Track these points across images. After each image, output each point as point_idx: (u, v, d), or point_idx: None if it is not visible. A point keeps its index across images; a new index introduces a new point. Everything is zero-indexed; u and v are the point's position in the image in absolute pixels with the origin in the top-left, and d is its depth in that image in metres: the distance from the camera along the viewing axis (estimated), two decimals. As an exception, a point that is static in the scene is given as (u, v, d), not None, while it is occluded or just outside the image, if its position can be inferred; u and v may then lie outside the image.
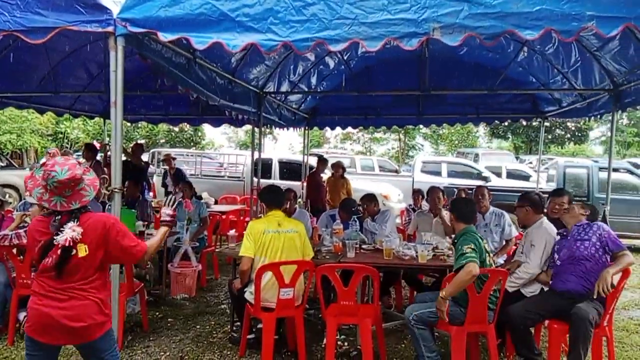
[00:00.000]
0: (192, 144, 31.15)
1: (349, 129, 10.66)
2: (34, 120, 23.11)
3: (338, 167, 8.99)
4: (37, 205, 4.52)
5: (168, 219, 2.97)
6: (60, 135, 26.45)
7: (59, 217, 2.46)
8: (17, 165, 18.40)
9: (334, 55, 6.80)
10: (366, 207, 5.49)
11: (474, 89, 7.38)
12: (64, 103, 8.52)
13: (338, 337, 4.40)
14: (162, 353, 4.26)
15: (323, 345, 4.41)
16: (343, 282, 3.83)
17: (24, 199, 9.05)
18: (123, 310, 4.28)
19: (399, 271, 5.10)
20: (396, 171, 15.84)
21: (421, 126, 14.21)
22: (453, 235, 4.37)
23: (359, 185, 11.10)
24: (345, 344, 4.51)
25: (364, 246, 4.83)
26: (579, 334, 3.47)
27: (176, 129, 29.77)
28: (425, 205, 6.60)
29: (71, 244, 2.39)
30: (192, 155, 16.14)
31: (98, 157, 8.79)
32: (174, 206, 3.01)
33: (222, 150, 28.50)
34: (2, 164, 16.60)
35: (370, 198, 5.59)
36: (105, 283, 2.61)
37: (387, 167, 16.06)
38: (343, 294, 3.78)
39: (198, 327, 4.93)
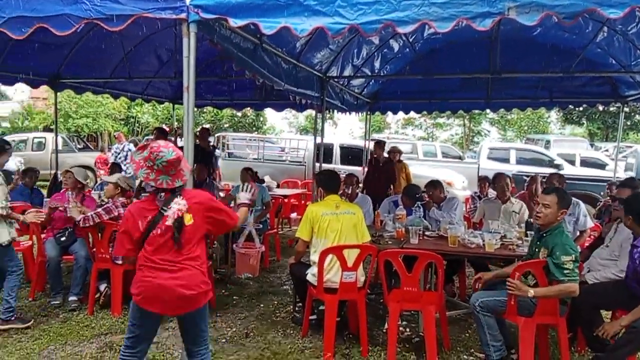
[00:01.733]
0: (254, 128, 31.79)
1: (412, 113, 10.43)
2: (108, 105, 24.44)
3: (394, 152, 8.79)
4: (112, 184, 4.82)
5: (247, 201, 3.18)
6: (132, 120, 27.80)
7: (163, 194, 2.71)
8: (92, 148, 19.56)
9: (398, 37, 6.67)
10: (431, 194, 5.38)
11: (548, 71, 6.99)
12: (136, 88, 8.95)
13: (400, 322, 4.39)
14: (229, 329, 4.42)
15: (384, 330, 4.44)
16: (405, 268, 3.80)
17: (100, 179, 9.65)
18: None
19: (463, 259, 4.99)
20: (460, 158, 15.37)
21: (488, 111, 13.68)
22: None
23: (420, 171, 10.91)
24: (407, 330, 4.49)
25: (427, 233, 4.76)
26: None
27: (239, 114, 30.48)
28: (491, 193, 6.39)
29: (180, 214, 2.64)
30: (254, 140, 16.48)
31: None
32: (251, 191, 3.18)
33: (282, 135, 28.93)
34: (80, 146, 17.65)
35: (435, 185, 5.47)
36: (204, 254, 2.81)
37: (450, 154, 15.62)
38: (406, 279, 3.75)
39: (262, 305, 5.08)
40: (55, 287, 4.87)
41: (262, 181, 8.17)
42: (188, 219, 2.67)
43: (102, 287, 4.81)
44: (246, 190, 3.17)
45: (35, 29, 3.69)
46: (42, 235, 5.09)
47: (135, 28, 3.58)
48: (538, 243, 3.66)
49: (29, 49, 6.26)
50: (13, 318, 4.25)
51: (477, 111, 12.41)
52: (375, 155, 8.59)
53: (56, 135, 9.45)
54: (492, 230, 4.61)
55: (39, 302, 4.91)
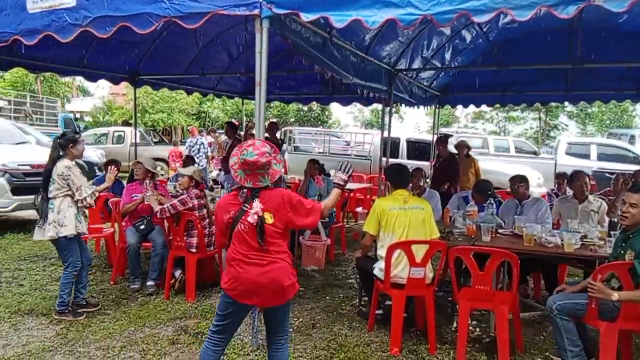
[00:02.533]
0: (319, 122, 32.05)
1: (483, 107, 10.05)
2: (181, 101, 25.53)
3: (462, 146, 8.44)
4: (187, 177, 5.03)
5: (342, 182, 3.10)
6: (203, 114, 28.90)
7: (245, 190, 2.79)
8: (167, 141, 20.51)
9: (471, 27, 6.44)
10: (516, 189, 5.13)
11: (636, 61, 6.48)
12: (208, 84, 9.27)
13: (469, 322, 4.27)
14: (295, 319, 4.50)
15: (453, 329, 4.34)
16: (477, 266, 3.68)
17: (174, 171, 10.09)
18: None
19: (540, 259, 4.75)
20: (535, 153, 14.68)
21: (567, 104, 12.93)
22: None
23: (492, 167, 10.53)
24: (477, 329, 4.37)
25: (500, 230, 4.58)
26: None
27: (305, 108, 30.86)
28: (569, 191, 6.04)
29: (258, 217, 2.69)
30: (320, 134, 16.62)
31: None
32: (348, 173, 3.10)
33: (347, 129, 28.93)
34: (156, 140, 18.55)
35: (520, 180, 5.18)
36: (287, 247, 2.87)
37: (524, 149, 14.95)
38: (478, 278, 3.64)
39: (327, 298, 5.12)
40: (135, 272, 5.17)
41: (328, 174, 8.20)
42: (269, 218, 2.72)
43: (177, 273, 5.04)
44: (344, 171, 3.07)
45: (118, 28, 3.91)
46: (123, 223, 5.41)
47: (209, 25, 3.69)
48: (624, 244, 3.42)
49: (111, 47, 6.66)
50: (66, 311, 4.35)
51: (554, 104, 11.72)
52: (437, 152, 8.35)
53: (135, 129, 10.01)
54: (572, 230, 4.36)
55: (119, 286, 5.22)
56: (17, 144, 8.80)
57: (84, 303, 4.55)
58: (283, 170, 2.94)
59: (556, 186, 6.76)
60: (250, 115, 23.88)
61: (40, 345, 3.77)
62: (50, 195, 4.21)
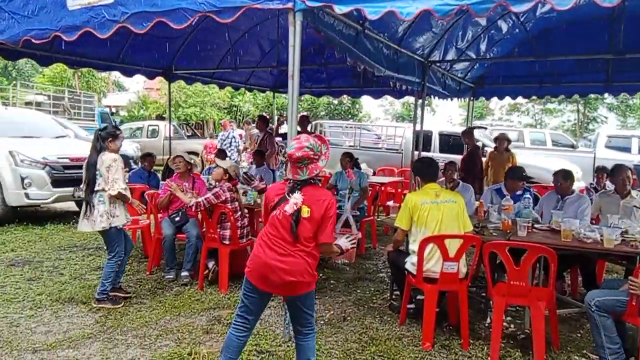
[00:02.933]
0: (349, 116, 31.94)
1: (519, 99, 9.81)
2: (213, 95, 25.87)
3: (502, 139, 8.24)
4: (222, 169, 5.10)
5: (342, 247, 3.01)
6: (234, 108, 29.19)
7: (291, 181, 2.85)
8: (199, 135, 20.83)
9: (508, 17, 6.29)
10: (560, 185, 4.99)
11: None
12: (240, 78, 9.37)
13: (503, 317, 4.19)
14: (327, 311, 4.52)
15: (486, 324, 4.28)
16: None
17: (208, 164, 10.26)
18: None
19: (578, 255, 4.63)
20: (573, 146, 14.22)
21: (606, 95, 12.50)
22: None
23: (528, 160, 10.27)
24: (512, 326, 4.29)
25: (536, 225, 4.48)
26: None
27: (335, 101, 30.80)
28: (609, 185, 5.84)
29: (296, 208, 2.74)
30: (350, 127, 16.55)
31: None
32: (353, 241, 3.09)
33: (378, 122, 28.74)
34: (189, 134, 18.85)
35: (566, 175, 5.00)
36: (317, 250, 2.86)
37: (561, 142, 14.51)
38: (514, 273, 3.57)
39: (358, 291, 5.12)
40: (170, 262, 5.28)
41: (359, 168, 8.18)
42: (305, 212, 2.75)
43: (210, 264, 5.13)
44: (349, 241, 3.05)
45: (154, 23, 3.98)
46: (159, 215, 5.53)
47: (242, 19, 3.72)
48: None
49: (146, 43, 6.80)
50: (105, 298, 4.45)
51: (593, 95, 11.34)
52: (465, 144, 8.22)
53: (169, 124, 10.22)
54: (612, 225, 4.22)
55: (155, 276, 5.35)
56: (57, 137, 9.08)
57: (119, 287, 4.71)
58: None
59: (595, 180, 6.56)
60: (280, 108, 23.99)
61: (80, 332, 3.90)
62: (98, 188, 4.30)
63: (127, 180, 4.60)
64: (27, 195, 7.41)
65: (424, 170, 4.20)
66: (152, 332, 3.95)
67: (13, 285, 4.94)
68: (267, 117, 10.83)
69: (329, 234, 2.83)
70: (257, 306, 2.96)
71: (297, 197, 2.76)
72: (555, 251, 3.53)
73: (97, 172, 4.30)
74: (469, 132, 8.30)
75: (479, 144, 10.77)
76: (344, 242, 3.00)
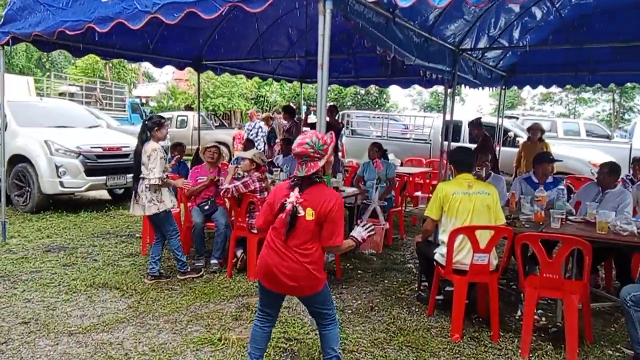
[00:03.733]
0: (376, 106, 31.73)
1: (553, 88, 9.54)
2: (240, 85, 26.05)
3: (536, 129, 8.03)
4: (248, 160, 5.14)
5: (359, 239, 2.90)
6: (261, 99, 29.34)
7: (294, 181, 2.77)
8: (227, 125, 21.04)
9: (542, 4, 6.10)
10: (603, 178, 4.84)
11: None
12: (268, 68, 9.38)
13: (535, 310, 4.12)
14: (354, 301, 4.52)
15: (517, 317, 4.22)
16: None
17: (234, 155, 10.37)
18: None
19: (613, 248, 4.50)
20: (608, 137, 13.79)
21: (644, 84, 12.06)
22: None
23: (561, 151, 10.02)
24: (543, 319, 4.22)
25: (570, 217, 4.37)
26: None
27: (363, 91, 30.63)
28: (647, 177, 5.66)
29: (293, 205, 2.66)
30: (378, 117, 16.44)
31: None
32: (369, 229, 2.91)
33: (406, 112, 28.44)
34: (216, 124, 19.05)
35: (612, 169, 4.78)
36: (317, 254, 2.75)
37: (596, 132, 14.09)
38: (546, 265, 3.50)
39: (386, 281, 5.11)
40: (199, 250, 5.37)
41: (387, 158, 8.13)
42: (309, 214, 2.66)
43: (239, 253, 5.19)
44: (365, 229, 2.94)
45: (185, 14, 4.02)
46: (189, 204, 5.62)
47: (270, 9, 3.71)
48: None
49: (176, 34, 6.87)
50: (188, 269, 4.95)
51: (630, 85, 10.93)
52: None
53: (199, 114, 10.35)
54: (650, 218, 4.09)
55: (185, 263, 5.45)
56: (90, 127, 9.30)
57: (159, 275, 4.87)
58: (328, 161, 2.81)
59: (631, 172, 6.35)
60: (307, 98, 23.98)
61: (113, 317, 4.01)
62: (143, 176, 4.62)
63: (166, 170, 4.74)
64: (61, 184, 7.63)
65: (460, 160, 4.12)
66: (183, 317, 4.03)
67: (49, 270, 5.10)
68: (294, 107, 10.85)
69: (335, 237, 2.70)
70: (272, 303, 2.97)
71: (292, 196, 2.67)
72: (590, 244, 3.45)
73: (142, 162, 4.60)
74: (476, 122, 8.10)
75: (511, 133, 10.57)
76: (358, 232, 2.89)
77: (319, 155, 2.70)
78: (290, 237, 2.69)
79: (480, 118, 8.73)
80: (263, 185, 5.05)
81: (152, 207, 4.62)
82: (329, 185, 2.83)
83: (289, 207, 2.67)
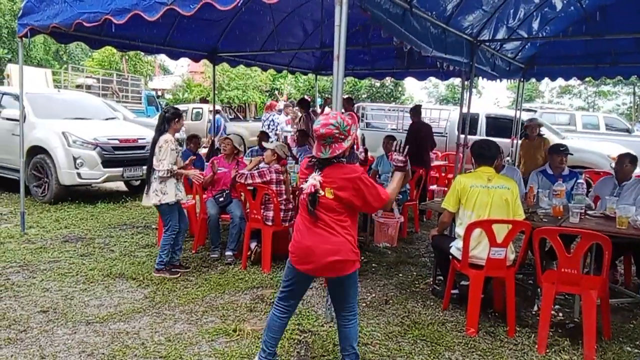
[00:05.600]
0: (391, 99, 31.51)
1: (572, 80, 9.34)
2: (255, 78, 26.05)
3: (533, 126, 7.54)
4: (270, 150, 5.14)
5: (400, 164, 2.98)
6: (276, 91, 29.32)
7: (313, 160, 2.81)
8: (242, 118, 21.06)
9: (564, -6, 5.97)
10: (625, 167, 4.71)
11: None
12: (283, 60, 9.36)
13: (552, 306, 4.07)
14: (368, 294, 4.51)
15: (534, 312, 4.18)
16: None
17: (250, 147, 10.40)
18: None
19: (632, 243, 4.42)
20: (628, 131, 13.51)
21: (667, 77, 11.75)
22: None
23: (579, 145, 9.88)
24: (560, 314, 4.16)
25: (589, 212, 4.29)
26: None
27: (378, 84, 30.43)
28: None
29: (313, 189, 2.69)
30: (393, 110, 16.32)
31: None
32: (403, 152, 2.99)
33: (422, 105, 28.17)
34: (231, 117, 19.08)
35: (633, 158, 4.72)
36: (355, 226, 2.81)
37: (616, 126, 13.81)
38: (565, 260, 3.44)
39: (400, 275, 5.08)
40: (214, 241, 5.40)
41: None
42: (328, 193, 2.69)
43: (253, 245, 5.20)
44: (398, 151, 2.94)
45: (201, 5, 4.01)
46: (204, 196, 5.64)
47: (286, 0, 3.68)
48: None
49: (192, 26, 6.88)
50: (164, 269, 4.75)
51: (652, 77, 10.66)
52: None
53: (214, 106, 10.36)
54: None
55: (200, 255, 5.48)
56: (107, 119, 9.38)
57: (178, 264, 4.91)
58: (351, 146, 2.81)
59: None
60: (322, 91, 23.90)
61: (130, 307, 4.05)
62: (154, 167, 4.62)
63: (174, 162, 4.67)
64: (79, 175, 7.71)
65: (480, 153, 4.04)
66: (198, 308, 4.06)
67: (67, 260, 5.17)
68: (309, 99, 10.82)
69: (380, 196, 2.73)
70: (297, 290, 2.97)
71: (314, 178, 2.70)
72: (610, 238, 3.38)
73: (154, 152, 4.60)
74: (415, 110, 8.17)
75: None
76: (396, 157, 2.93)
77: (343, 136, 2.72)
78: (318, 216, 2.73)
79: (420, 106, 8.76)
80: (282, 177, 5.04)
81: (154, 198, 4.61)
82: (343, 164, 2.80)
83: (307, 189, 2.70)
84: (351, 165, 2.81)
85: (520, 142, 8.34)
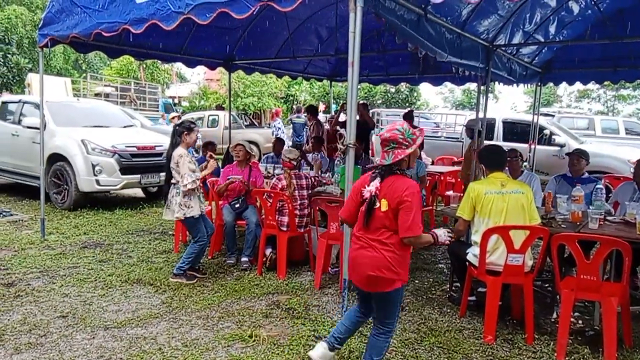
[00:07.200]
0: (407, 104, 31.42)
1: (590, 84, 9.21)
2: (270, 85, 26.23)
3: (468, 128, 7.73)
4: (287, 157, 5.18)
5: (437, 238, 2.92)
6: (291, 98, 29.47)
7: (375, 172, 2.83)
8: (257, 124, 21.20)
9: (581, -3, 5.91)
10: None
11: None
12: (298, 67, 9.41)
13: (571, 313, 4.01)
14: (384, 301, 4.48)
15: (552, 319, 4.12)
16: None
17: (266, 153, 10.46)
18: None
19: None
20: (647, 134, 13.30)
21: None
22: None
23: (598, 149, 9.73)
24: (579, 322, 4.09)
25: (609, 217, 4.22)
26: None
27: (393, 89, 30.38)
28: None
29: (371, 194, 2.72)
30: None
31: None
32: (449, 238, 2.95)
33: (437, 111, 28.06)
34: (246, 123, 19.23)
35: None
36: (399, 244, 2.74)
37: (636, 130, 13.59)
38: (584, 267, 3.39)
39: (417, 281, 5.05)
40: (230, 248, 5.43)
41: (419, 157, 8.04)
42: (383, 205, 2.70)
43: (268, 251, 5.21)
44: (447, 234, 2.93)
45: (217, 14, 4.06)
46: (220, 202, 5.68)
47: (300, 8, 3.71)
48: None
49: (208, 34, 6.96)
50: (182, 274, 4.78)
51: (673, 80, 10.46)
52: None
53: (230, 114, 10.45)
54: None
55: (216, 261, 5.51)
56: (125, 127, 9.51)
57: (197, 269, 4.96)
58: (414, 152, 2.82)
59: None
60: (337, 97, 23.94)
61: (147, 312, 4.09)
62: (174, 181, 4.66)
63: (196, 171, 4.71)
64: (97, 182, 7.83)
65: (490, 158, 4.04)
66: (215, 314, 4.08)
67: (86, 266, 5.24)
68: (324, 106, 10.86)
69: (411, 226, 2.65)
70: (363, 300, 3.02)
71: (373, 184, 2.73)
72: (630, 245, 3.33)
73: (172, 167, 4.63)
74: (407, 114, 8.76)
75: (546, 132, 10.28)
76: (443, 232, 2.89)
77: (407, 143, 2.74)
78: (369, 227, 2.76)
79: (412, 111, 9.21)
80: (305, 182, 5.09)
81: (180, 212, 4.62)
82: (405, 176, 2.78)
83: (366, 196, 2.74)
84: (408, 181, 2.75)
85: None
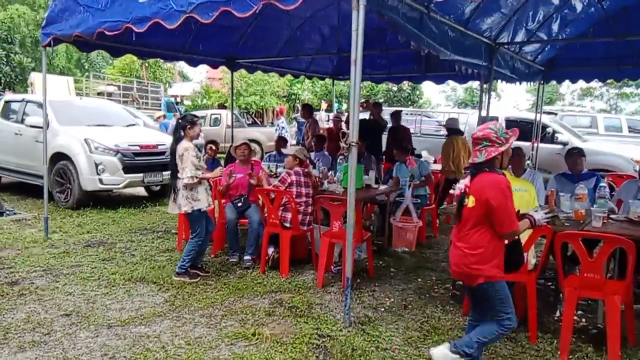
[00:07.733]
0: (409, 102, 31.37)
1: (593, 82, 9.19)
2: (273, 83, 26.21)
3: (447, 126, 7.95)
4: (291, 156, 5.19)
5: (533, 220, 3.04)
6: (293, 96, 29.44)
7: (469, 169, 2.93)
8: (259, 123, 21.20)
9: (586, -5, 5.89)
10: None
11: None
12: (300, 66, 9.40)
13: (574, 311, 4.00)
14: (387, 299, 4.49)
15: (555, 318, 4.11)
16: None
17: (268, 152, 10.47)
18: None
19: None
20: (652, 133, 13.25)
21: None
22: None
23: (601, 147, 9.70)
24: (583, 320, 4.09)
25: (612, 216, 4.21)
26: None
27: (395, 88, 30.33)
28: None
29: (461, 191, 2.85)
30: (411, 114, 16.23)
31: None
32: (547, 211, 3.13)
33: (439, 109, 28.02)
34: (249, 122, 19.23)
35: None
36: (492, 238, 2.81)
37: (639, 128, 13.55)
38: (587, 265, 3.38)
39: (419, 280, 5.05)
40: (233, 246, 5.44)
41: (419, 155, 8.05)
42: (470, 201, 2.79)
43: (270, 251, 5.22)
44: (542, 211, 3.05)
45: (220, 12, 4.06)
46: (222, 201, 5.69)
47: (303, 6, 3.71)
48: None
49: (210, 33, 6.95)
50: (184, 273, 4.78)
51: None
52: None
53: (232, 112, 10.46)
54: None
55: (219, 259, 5.52)
56: (127, 126, 9.52)
57: (200, 266, 4.97)
58: (507, 150, 2.89)
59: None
60: (339, 95, 23.92)
61: (151, 310, 4.10)
62: (180, 175, 4.64)
63: (200, 168, 4.70)
64: (100, 181, 7.84)
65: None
66: (218, 312, 4.09)
67: (89, 264, 5.26)
68: (326, 105, 10.86)
69: (506, 221, 2.75)
70: (471, 299, 3.17)
71: (463, 181, 2.83)
72: (634, 243, 3.32)
73: (176, 161, 4.63)
74: (395, 113, 8.96)
75: (549, 130, 10.25)
76: (541, 215, 3.02)
77: (500, 142, 2.80)
78: (459, 223, 2.88)
79: (401, 111, 9.43)
80: (303, 179, 5.08)
81: (186, 205, 4.64)
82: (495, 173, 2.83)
83: (457, 193, 2.86)
84: (494, 178, 2.80)
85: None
